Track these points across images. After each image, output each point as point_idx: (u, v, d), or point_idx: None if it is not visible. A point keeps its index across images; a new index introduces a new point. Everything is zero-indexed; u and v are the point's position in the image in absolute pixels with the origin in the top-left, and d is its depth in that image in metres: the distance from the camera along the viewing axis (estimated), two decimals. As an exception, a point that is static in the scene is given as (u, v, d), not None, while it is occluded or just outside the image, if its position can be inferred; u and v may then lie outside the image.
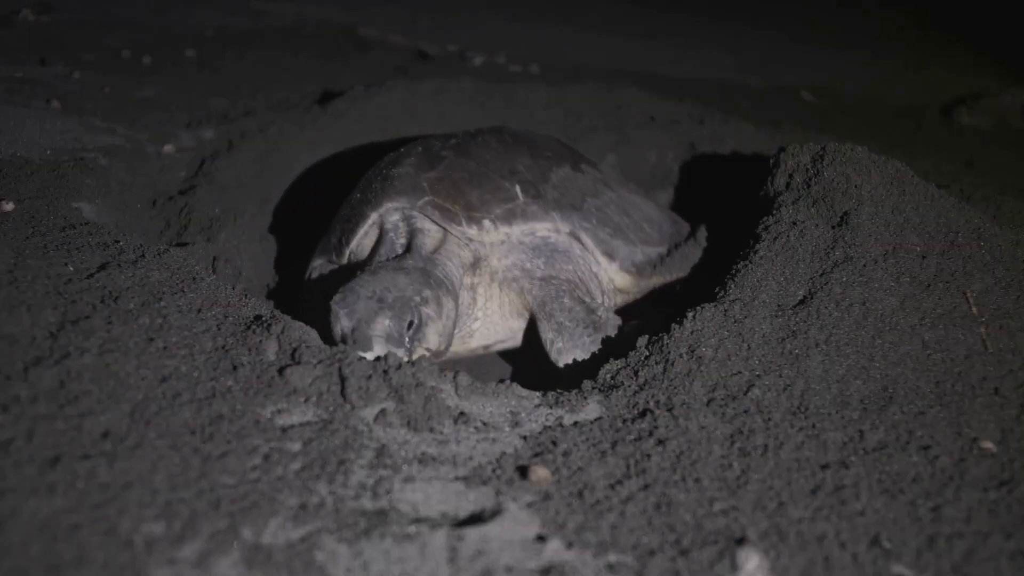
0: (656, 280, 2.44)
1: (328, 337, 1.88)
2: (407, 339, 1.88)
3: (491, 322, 2.30)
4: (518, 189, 2.29)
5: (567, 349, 2.14)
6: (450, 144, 2.38)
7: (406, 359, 1.83)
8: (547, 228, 2.29)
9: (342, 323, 1.87)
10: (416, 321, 1.91)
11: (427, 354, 1.93)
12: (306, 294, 2.45)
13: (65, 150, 2.83)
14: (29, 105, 3.23)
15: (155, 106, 3.58)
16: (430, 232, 2.23)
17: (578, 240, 2.32)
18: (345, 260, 2.35)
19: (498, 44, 5.89)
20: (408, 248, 2.20)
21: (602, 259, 2.34)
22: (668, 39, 6.86)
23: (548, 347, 2.17)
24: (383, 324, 1.85)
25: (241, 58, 4.66)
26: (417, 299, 1.93)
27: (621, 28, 7.26)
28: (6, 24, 4.78)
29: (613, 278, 2.38)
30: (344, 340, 1.85)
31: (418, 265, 2.07)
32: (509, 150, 2.41)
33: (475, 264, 2.26)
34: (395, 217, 2.25)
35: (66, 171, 2.58)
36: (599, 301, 2.35)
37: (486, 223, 2.22)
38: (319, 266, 2.45)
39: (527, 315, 2.29)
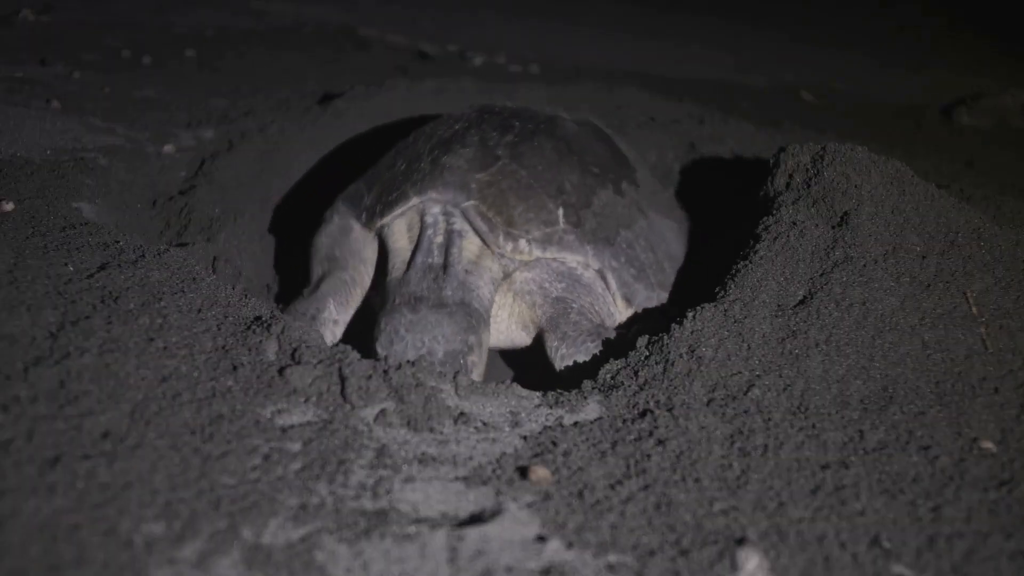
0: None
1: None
2: None
3: (497, 329, 2.31)
4: (560, 213, 2.28)
5: (569, 355, 2.15)
6: (506, 141, 2.34)
7: None
8: (577, 261, 2.29)
9: None
10: (463, 371, 1.97)
11: None
12: (316, 243, 2.44)
13: (65, 150, 2.83)
14: (29, 105, 3.23)
15: (155, 106, 3.58)
16: (467, 237, 2.22)
17: (603, 279, 2.32)
18: (373, 229, 2.33)
19: (498, 44, 5.89)
20: (445, 254, 2.18)
21: (620, 303, 2.34)
22: (668, 39, 6.86)
23: (553, 354, 2.19)
24: None
25: (241, 58, 4.67)
26: (464, 349, 2.00)
27: (621, 28, 7.26)
28: (6, 24, 4.79)
29: (623, 321, 2.39)
30: None
31: (457, 298, 2.09)
32: (562, 160, 2.37)
33: (504, 279, 2.27)
34: (436, 210, 2.23)
35: (66, 171, 2.58)
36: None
37: (522, 243, 2.22)
38: (341, 217, 2.43)
39: (533, 330, 2.30)
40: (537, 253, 2.24)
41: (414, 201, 2.23)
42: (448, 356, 1.97)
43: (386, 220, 2.29)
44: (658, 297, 2.43)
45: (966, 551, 1.26)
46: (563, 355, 2.16)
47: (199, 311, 1.77)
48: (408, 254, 2.25)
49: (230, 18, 5.82)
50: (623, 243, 2.38)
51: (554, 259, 2.28)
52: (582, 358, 2.13)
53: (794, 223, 2.12)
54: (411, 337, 1.98)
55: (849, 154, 2.20)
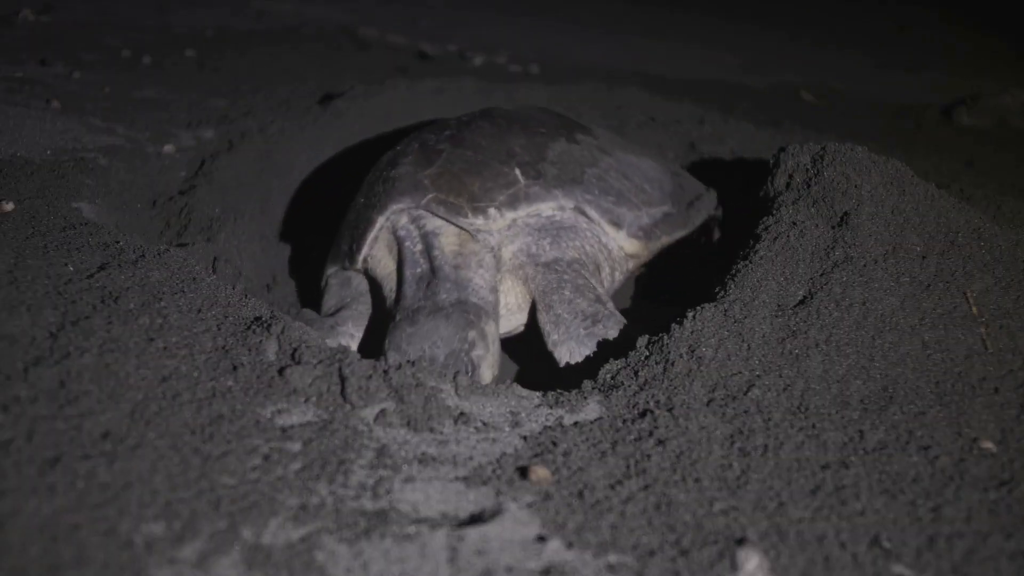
0: (665, 240, 2.47)
1: None
2: None
3: (508, 314, 2.31)
4: (518, 172, 2.30)
5: (562, 341, 2.15)
6: (445, 136, 2.38)
7: None
8: (551, 207, 2.30)
9: None
10: (471, 366, 1.97)
11: None
12: (323, 307, 2.45)
13: (65, 150, 2.83)
14: (29, 105, 3.23)
15: (155, 106, 3.58)
16: (443, 233, 2.23)
17: (583, 214, 2.34)
18: (359, 266, 2.35)
19: (498, 44, 5.89)
20: (429, 259, 2.19)
21: (609, 229, 2.36)
22: (668, 39, 6.86)
23: (546, 338, 2.19)
24: None
25: (241, 58, 4.67)
26: (465, 347, 2.00)
27: (621, 28, 7.26)
28: (6, 24, 4.79)
29: (623, 245, 2.40)
30: None
31: (452, 298, 2.09)
32: (503, 132, 2.41)
33: (497, 261, 2.27)
34: (403, 220, 2.26)
35: (66, 171, 2.58)
36: (608, 274, 2.37)
37: (491, 211, 2.23)
38: (334, 274, 2.45)
39: (527, 306, 2.30)
40: (509, 215, 2.25)
41: (379, 221, 2.26)
42: (450, 358, 1.97)
43: (364, 252, 2.31)
44: (648, 214, 2.44)
45: (966, 551, 1.26)
46: (555, 341, 2.16)
47: (199, 311, 1.77)
48: (396, 274, 2.27)
49: (230, 18, 5.82)
50: (592, 178, 2.40)
51: (528, 215, 2.29)
52: (575, 345, 2.13)
53: (794, 223, 2.12)
54: (412, 348, 1.99)
55: (849, 154, 2.21)
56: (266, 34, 5.47)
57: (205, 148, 3.18)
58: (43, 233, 2.09)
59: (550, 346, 2.17)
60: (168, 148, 3.12)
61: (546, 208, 2.30)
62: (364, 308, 2.36)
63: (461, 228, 2.23)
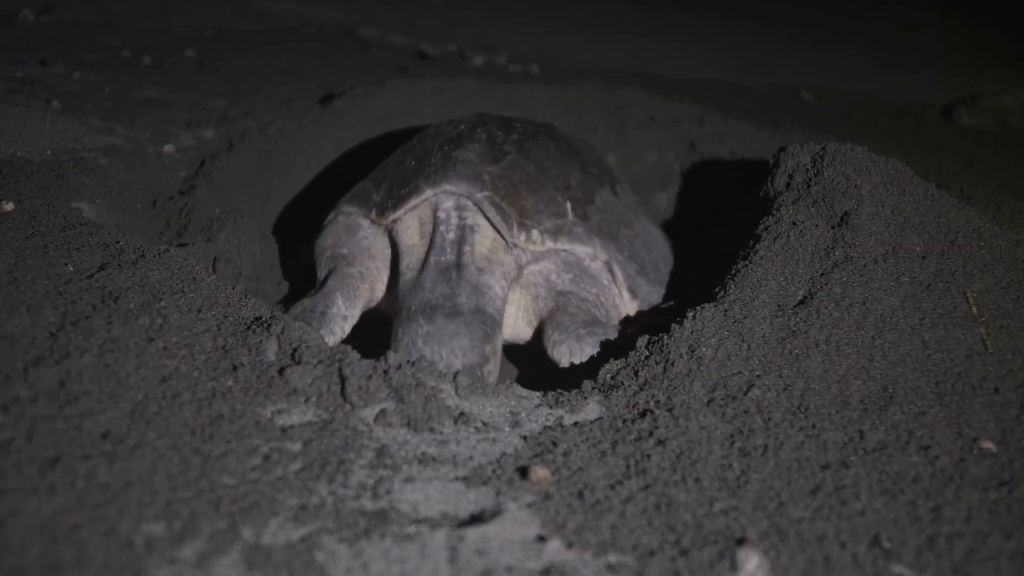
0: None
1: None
2: None
3: (507, 324, 2.31)
4: (569, 206, 2.33)
5: (561, 340, 2.16)
6: (512, 139, 2.38)
7: None
8: (587, 252, 2.32)
9: None
10: (481, 379, 1.98)
11: None
12: (320, 244, 2.45)
13: (65, 150, 2.83)
14: (29, 105, 3.23)
15: (155, 106, 3.58)
16: (480, 231, 2.23)
17: (610, 271, 2.36)
18: (385, 222, 2.33)
19: (498, 44, 5.89)
20: (458, 252, 2.19)
21: (626, 295, 2.38)
22: (668, 39, 6.86)
23: (546, 342, 2.20)
24: None
25: (241, 58, 4.66)
26: (482, 361, 2.01)
27: (621, 28, 7.26)
28: (6, 24, 4.79)
29: (629, 314, 2.41)
30: None
31: (471, 304, 2.09)
32: (565, 159, 2.44)
33: (518, 271, 2.28)
34: (449, 203, 2.24)
35: (66, 171, 2.58)
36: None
37: (535, 233, 2.25)
38: (346, 215, 2.42)
39: (535, 323, 2.31)
40: (549, 244, 2.27)
41: (428, 194, 2.24)
42: (466, 370, 1.98)
43: (399, 213, 2.28)
44: (658, 293, 2.47)
45: (966, 551, 1.26)
46: (555, 341, 2.17)
47: (199, 311, 1.77)
48: (421, 251, 2.25)
49: (230, 18, 5.82)
50: (625, 239, 2.44)
51: (564, 250, 2.31)
52: (575, 345, 2.14)
53: (794, 223, 2.12)
54: (428, 349, 1.99)
55: (849, 154, 2.21)
56: (266, 34, 5.47)
57: (205, 148, 3.18)
58: (43, 233, 2.08)
59: (550, 348, 2.18)
60: (168, 148, 3.12)
61: (582, 251, 2.32)
62: (355, 271, 2.33)
63: (500, 236, 2.23)
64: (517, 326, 2.33)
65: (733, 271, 2.06)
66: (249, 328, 1.75)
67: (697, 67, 5.72)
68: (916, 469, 1.44)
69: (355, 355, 1.69)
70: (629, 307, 2.40)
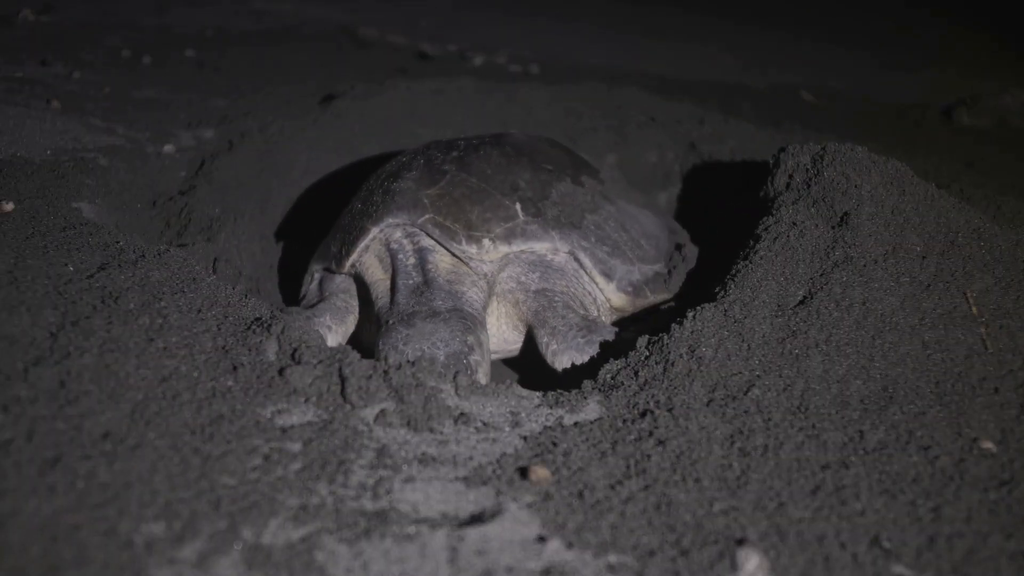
0: (652, 299, 2.44)
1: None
2: None
3: (494, 336, 2.31)
4: (518, 207, 2.31)
5: (562, 351, 2.15)
6: (452, 157, 2.38)
7: None
8: (546, 247, 2.31)
9: None
10: (469, 371, 1.97)
11: None
12: (302, 300, 2.45)
13: (65, 150, 2.83)
14: (29, 105, 3.23)
15: (155, 106, 3.58)
16: (437, 250, 2.24)
17: (576, 260, 2.34)
18: (346, 271, 2.35)
19: (498, 44, 5.89)
20: (423, 272, 2.20)
21: (599, 279, 2.35)
22: (668, 39, 6.86)
23: (544, 350, 2.19)
24: None
25: (241, 58, 4.67)
26: (465, 349, 1.99)
27: (621, 28, 7.27)
28: (6, 24, 4.79)
29: (609, 298, 2.39)
30: None
31: (448, 306, 2.10)
32: (511, 163, 2.41)
33: (489, 286, 2.27)
34: (398, 234, 2.26)
35: (66, 171, 2.58)
36: (594, 317, 2.34)
37: (485, 242, 2.24)
38: (318, 272, 2.46)
39: (523, 328, 2.31)
40: (503, 249, 2.26)
41: (373, 232, 2.26)
42: (450, 358, 1.96)
43: (352, 259, 2.31)
44: (640, 271, 2.43)
45: (966, 551, 1.26)
46: (555, 351, 2.16)
47: (199, 311, 1.77)
48: (387, 282, 2.27)
49: (230, 18, 5.82)
50: (591, 225, 2.40)
51: (522, 251, 2.30)
52: (575, 355, 2.14)
53: (794, 223, 2.12)
54: (410, 348, 1.98)
55: (849, 154, 2.20)
56: (266, 34, 5.47)
57: (205, 148, 3.18)
58: (43, 233, 2.09)
59: (549, 357, 2.17)
60: (168, 148, 3.12)
61: (540, 247, 2.31)
62: (343, 304, 2.35)
63: (452, 252, 2.24)
64: (503, 332, 2.33)
65: (733, 271, 2.06)
66: (249, 328, 1.75)
67: (697, 67, 5.72)
68: (916, 469, 1.44)
69: (355, 355, 1.70)
70: (607, 290, 2.36)
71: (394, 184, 2.31)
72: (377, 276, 2.30)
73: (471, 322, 2.09)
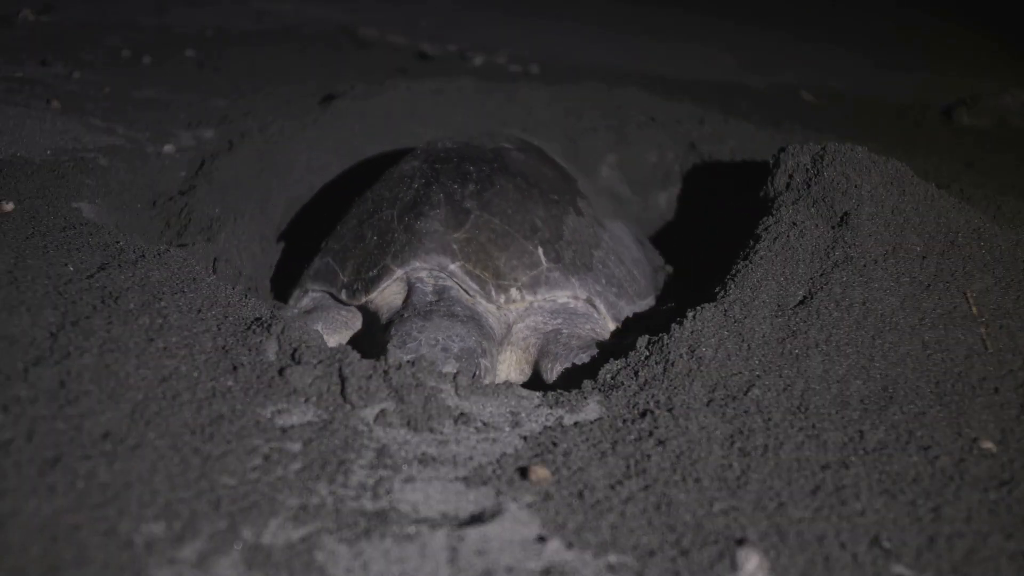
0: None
1: None
2: None
3: (497, 379, 2.30)
4: (540, 253, 2.31)
5: (555, 363, 2.18)
6: (470, 191, 2.34)
7: None
8: (567, 295, 2.31)
9: None
10: (477, 374, 1.97)
11: None
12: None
13: (65, 150, 2.83)
14: (29, 105, 3.23)
15: (155, 106, 3.58)
16: (458, 290, 2.22)
17: (592, 305, 2.35)
18: (359, 303, 2.30)
19: (498, 44, 5.89)
20: (439, 299, 2.17)
21: (611, 324, 2.38)
22: (668, 39, 6.86)
23: (544, 372, 2.21)
24: None
25: (241, 58, 4.67)
26: (479, 350, 2.00)
27: (621, 28, 7.27)
28: (6, 24, 4.79)
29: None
30: None
31: (467, 313, 2.10)
32: (525, 199, 2.39)
33: (507, 333, 2.27)
34: (422, 274, 2.23)
35: (66, 171, 2.58)
36: None
37: (513, 292, 2.24)
38: (314, 292, 2.39)
39: (529, 369, 2.30)
40: (529, 298, 2.26)
41: (398, 274, 2.22)
42: (464, 352, 1.96)
43: (371, 296, 2.26)
44: (632, 308, 2.46)
45: (966, 551, 1.26)
46: (549, 368, 2.19)
47: (199, 311, 1.77)
48: (399, 301, 2.24)
49: (230, 18, 5.82)
50: (599, 264, 2.42)
51: (545, 300, 2.30)
52: (569, 364, 2.16)
53: (794, 223, 2.12)
54: (424, 336, 1.97)
55: (849, 154, 2.20)
56: (266, 34, 5.47)
57: (205, 148, 3.18)
58: (43, 233, 2.08)
59: (545, 374, 2.19)
60: (168, 148, 3.12)
61: (562, 296, 2.31)
62: (339, 317, 2.32)
63: (480, 301, 2.22)
64: (510, 377, 2.32)
65: (733, 271, 2.06)
66: (249, 328, 1.75)
67: (697, 67, 5.72)
68: (916, 469, 1.44)
69: (355, 355, 1.69)
70: (611, 331, 2.40)
71: (418, 223, 2.25)
72: (392, 305, 2.27)
73: (486, 332, 2.09)
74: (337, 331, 2.31)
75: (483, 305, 2.23)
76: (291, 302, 2.43)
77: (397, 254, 2.23)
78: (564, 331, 2.27)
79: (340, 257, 2.36)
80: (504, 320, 2.27)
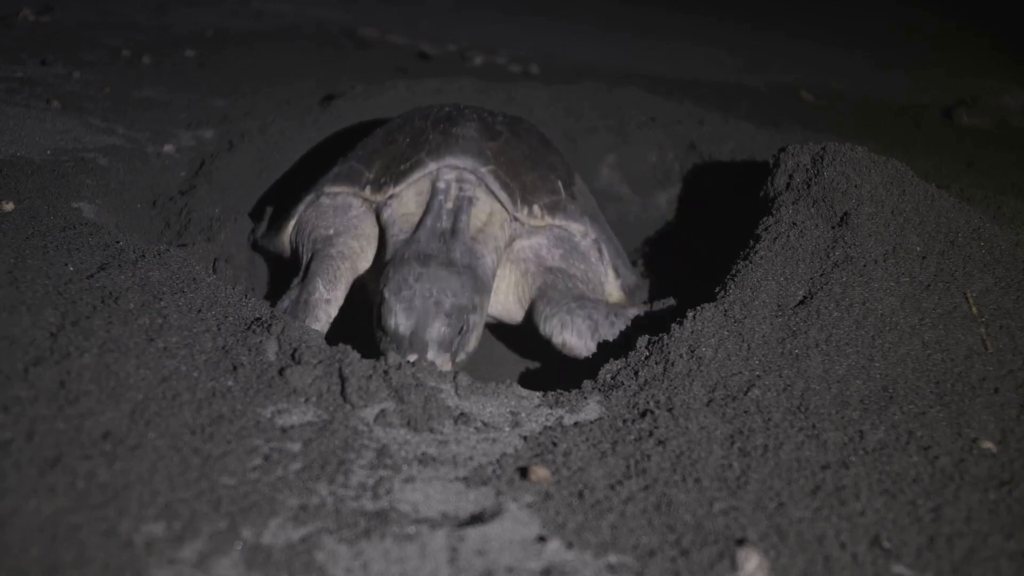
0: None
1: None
2: (455, 345, 1.97)
3: (495, 300, 2.34)
4: (560, 185, 2.40)
5: (553, 313, 2.20)
6: (500, 121, 2.43)
7: (448, 365, 1.93)
8: (579, 229, 2.38)
9: (398, 319, 1.94)
10: (465, 328, 1.99)
11: (466, 358, 2.02)
12: (291, 222, 2.43)
13: (65, 150, 2.83)
14: (29, 105, 3.23)
15: (155, 106, 3.58)
16: (477, 204, 2.24)
17: (598, 249, 2.41)
18: (383, 198, 2.30)
19: (498, 44, 5.89)
20: (454, 221, 2.18)
21: (611, 272, 2.43)
22: (668, 39, 6.86)
23: (537, 317, 2.23)
24: (440, 330, 1.94)
25: (241, 58, 4.66)
26: (470, 307, 2.01)
27: (621, 28, 7.27)
28: (6, 24, 4.78)
29: (611, 292, 2.45)
30: (394, 332, 1.93)
31: (465, 261, 2.10)
32: (545, 145, 2.51)
33: (508, 245, 2.32)
34: (450, 176, 2.25)
35: (66, 171, 2.58)
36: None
37: (536, 208, 2.31)
38: (328, 195, 2.39)
39: (526, 303, 2.34)
40: (548, 219, 2.33)
41: (432, 167, 2.25)
42: (454, 309, 1.97)
43: (400, 188, 2.28)
44: (632, 274, 2.53)
45: (966, 551, 1.26)
46: (546, 315, 2.21)
47: (199, 311, 1.77)
48: (414, 219, 2.25)
49: (230, 18, 5.82)
50: (601, 221, 2.51)
51: (558, 226, 2.36)
52: (565, 317, 2.18)
53: (794, 223, 2.12)
54: (419, 286, 1.98)
55: (849, 154, 2.20)
56: (266, 34, 5.47)
57: (205, 148, 3.18)
58: (43, 233, 2.08)
59: (541, 323, 2.21)
60: (168, 148, 3.12)
61: (575, 228, 2.37)
62: (335, 251, 2.31)
63: (502, 207, 2.27)
64: (508, 303, 2.36)
65: (733, 271, 2.06)
66: (249, 328, 1.75)
67: (697, 67, 5.72)
68: (916, 469, 1.44)
69: (355, 355, 1.70)
70: (612, 286, 2.44)
71: (454, 128, 2.32)
72: (408, 210, 2.28)
73: (480, 284, 2.10)
74: (337, 283, 2.28)
75: (493, 232, 2.24)
76: (300, 207, 2.43)
77: (432, 151, 2.28)
78: (562, 276, 2.31)
79: (366, 159, 2.41)
80: (511, 235, 2.30)
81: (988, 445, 1.50)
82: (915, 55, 6.71)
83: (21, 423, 1.34)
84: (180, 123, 3.41)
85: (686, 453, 1.47)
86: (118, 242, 2.08)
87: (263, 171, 3.06)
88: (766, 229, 2.15)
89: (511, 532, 1.27)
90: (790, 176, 2.30)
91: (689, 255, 2.87)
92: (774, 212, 2.21)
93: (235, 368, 1.60)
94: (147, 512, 1.22)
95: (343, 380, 1.60)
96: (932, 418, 1.57)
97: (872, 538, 1.28)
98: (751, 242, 2.15)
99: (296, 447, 1.43)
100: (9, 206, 2.21)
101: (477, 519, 1.30)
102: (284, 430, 1.47)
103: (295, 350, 1.68)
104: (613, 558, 1.23)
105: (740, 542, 1.25)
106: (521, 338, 2.45)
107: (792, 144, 2.38)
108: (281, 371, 1.61)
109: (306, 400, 1.57)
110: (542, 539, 1.26)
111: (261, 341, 1.70)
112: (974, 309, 1.85)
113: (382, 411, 1.56)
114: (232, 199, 2.87)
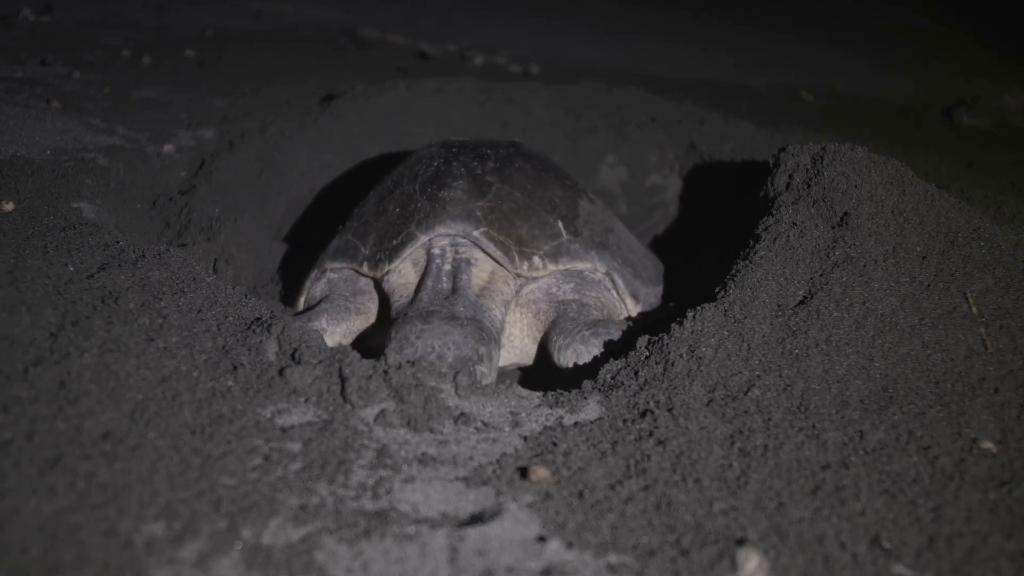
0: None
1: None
2: None
3: (512, 345, 2.33)
4: (560, 225, 2.35)
5: (567, 344, 2.17)
6: (490, 168, 2.38)
7: None
8: (587, 267, 2.35)
9: None
10: (472, 379, 1.95)
11: None
12: (302, 299, 2.43)
13: (65, 150, 2.83)
14: (29, 105, 3.23)
15: (155, 106, 3.58)
16: (478, 264, 2.24)
17: (612, 281, 2.38)
18: (380, 275, 2.30)
19: (498, 44, 5.89)
20: (454, 281, 2.19)
21: (629, 301, 2.41)
22: (668, 39, 6.86)
23: (551, 347, 2.20)
24: None
25: (241, 58, 4.67)
26: (475, 357, 1.99)
27: (621, 28, 7.27)
28: (6, 24, 4.79)
29: (632, 316, 2.42)
30: None
31: (469, 314, 2.09)
32: (542, 178, 2.45)
33: (516, 297, 2.29)
34: (444, 242, 2.25)
35: (66, 171, 2.58)
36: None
37: (536, 260, 2.27)
38: (333, 270, 2.40)
39: (536, 340, 2.32)
40: (551, 267, 2.29)
41: (422, 240, 2.23)
42: (458, 361, 1.95)
43: (395, 264, 2.26)
44: (654, 293, 2.49)
45: (966, 551, 1.26)
46: (560, 346, 2.18)
47: (199, 311, 1.77)
48: (414, 285, 2.25)
49: (230, 18, 5.82)
50: (613, 245, 2.46)
51: (562, 271, 2.33)
52: (579, 346, 2.15)
53: (794, 223, 2.12)
54: (421, 343, 1.97)
55: (849, 154, 2.20)
56: (266, 34, 5.47)
57: (205, 148, 3.18)
58: (43, 233, 2.08)
59: (555, 354, 2.18)
60: (168, 148, 3.12)
61: (582, 266, 2.34)
62: (347, 304, 2.33)
63: (501, 267, 2.24)
64: (524, 346, 2.34)
65: (733, 271, 2.06)
66: (249, 328, 1.75)
67: (697, 67, 5.72)
68: (916, 469, 1.44)
69: (355, 355, 1.70)
70: (632, 311, 2.41)
71: (441, 192, 2.28)
72: (407, 280, 2.28)
73: (487, 335, 2.08)
74: (341, 320, 2.29)
75: (498, 287, 2.23)
76: (307, 283, 2.43)
77: (421, 222, 2.25)
78: (574, 306, 2.29)
79: (361, 233, 2.38)
80: (517, 287, 2.28)
81: (988, 445, 1.50)
82: (915, 55, 6.72)
83: (21, 423, 1.34)
84: (180, 123, 3.42)
85: (686, 453, 1.47)
86: (118, 242, 2.08)
87: (263, 171, 3.06)
88: (766, 229, 2.15)
89: (511, 532, 1.27)
90: (790, 176, 2.29)
91: (689, 255, 2.87)
92: (774, 212, 2.21)
93: (235, 368, 1.60)
94: (147, 512, 1.22)
95: (343, 380, 1.60)
96: (932, 418, 1.57)
97: (872, 538, 1.28)
98: (751, 242, 2.14)
99: (296, 447, 1.43)
100: (9, 206, 2.21)
101: (477, 519, 1.30)
102: (284, 430, 1.47)
103: (295, 350, 1.68)
104: (613, 558, 1.23)
105: (740, 542, 1.25)
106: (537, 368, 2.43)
107: (792, 144, 2.37)
108: (281, 371, 1.61)
109: (306, 400, 1.57)
110: (542, 539, 1.26)
111: (261, 341, 1.70)
112: (974, 309, 1.85)
113: (382, 411, 1.56)
114: (232, 199, 2.87)
